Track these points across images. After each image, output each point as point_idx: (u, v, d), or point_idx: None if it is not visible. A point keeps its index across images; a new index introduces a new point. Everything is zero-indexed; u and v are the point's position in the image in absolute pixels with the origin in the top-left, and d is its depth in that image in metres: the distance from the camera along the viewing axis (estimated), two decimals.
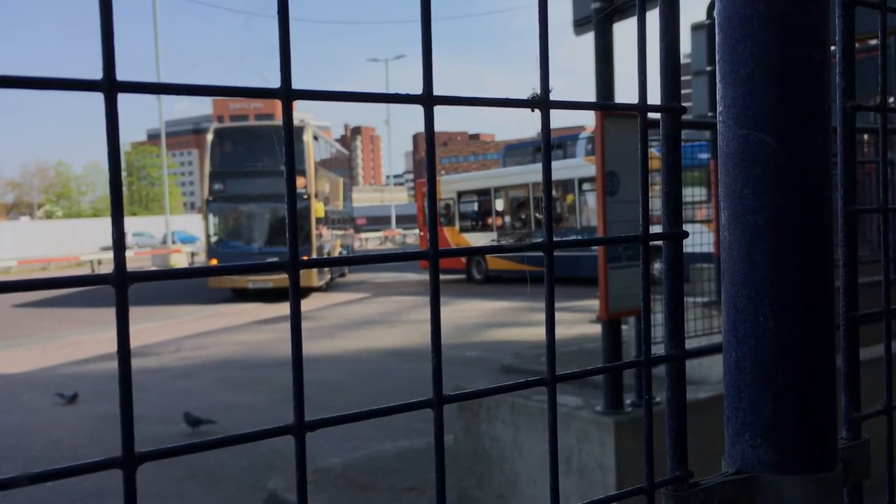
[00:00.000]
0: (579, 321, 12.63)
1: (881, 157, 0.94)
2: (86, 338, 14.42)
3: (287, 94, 0.52)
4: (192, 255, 36.24)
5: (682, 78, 0.90)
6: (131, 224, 54.10)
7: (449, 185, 22.90)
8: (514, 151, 27.89)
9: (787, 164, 0.74)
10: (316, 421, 0.54)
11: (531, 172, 20.88)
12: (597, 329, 7.99)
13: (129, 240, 45.02)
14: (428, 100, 0.58)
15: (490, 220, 21.90)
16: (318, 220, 20.64)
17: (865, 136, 5.62)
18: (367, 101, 0.56)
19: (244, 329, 15.24)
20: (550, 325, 0.66)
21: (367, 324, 15.16)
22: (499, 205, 21.98)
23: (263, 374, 10.39)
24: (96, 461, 0.47)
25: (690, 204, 6.96)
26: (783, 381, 0.75)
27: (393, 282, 24.60)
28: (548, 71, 0.63)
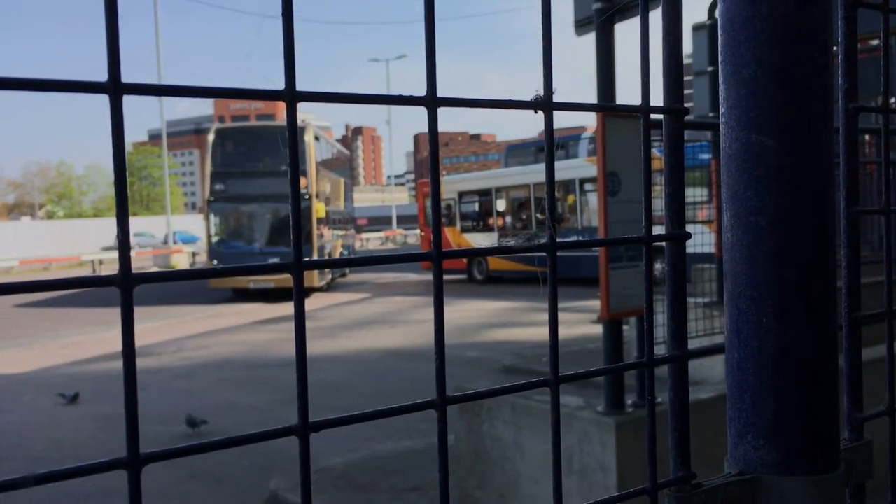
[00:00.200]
0: (580, 321, 12.63)
1: (884, 158, 0.94)
2: (87, 338, 14.42)
3: (292, 95, 0.52)
4: (194, 255, 36.25)
5: (684, 78, 0.90)
6: (132, 224, 53.83)
7: (450, 186, 22.90)
8: (517, 151, 27.92)
9: (789, 165, 0.74)
10: (320, 422, 0.54)
11: (532, 173, 20.88)
12: (598, 329, 7.99)
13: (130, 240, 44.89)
14: (432, 101, 0.58)
15: (491, 221, 21.91)
16: (320, 221, 20.65)
17: (866, 137, 5.61)
18: (372, 102, 0.56)
19: (245, 329, 15.25)
20: (553, 325, 0.66)
21: (368, 324, 15.16)
22: (500, 205, 21.99)
23: (265, 374, 10.39)
24: (102, 462, 0.47)
25: (691, 204, 6.96)
26: (786, 382, 0.75)
27: (394, 282, 24.60)
28: (551, 73, 0.63)
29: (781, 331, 0.75)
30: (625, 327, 4.70)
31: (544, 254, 0.66)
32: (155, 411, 8.03)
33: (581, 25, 4.49)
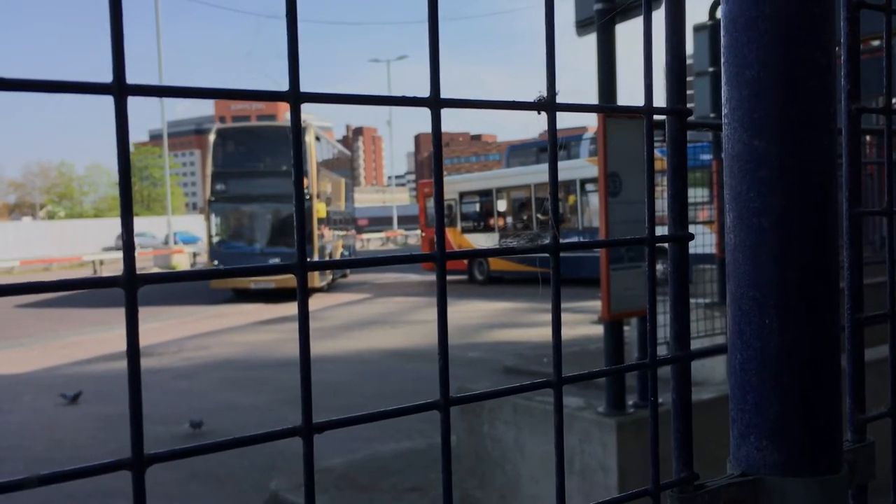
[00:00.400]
0: (581, 322, 12.63)
1: (887, 159, 0.94)
2: (87, 338, 14.43)
3: (295, 97, 0.53)
4: (194, 255, 36.26)
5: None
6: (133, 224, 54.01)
7: (451, 186, 22.90)
8: (518, 152, 27.95)
9: (792, 166, 0.74)
10: (324, 423, 0.54)
11: (532, 173, 20.89)
12: (599, 330, 7.99)
13: None
14: (435, 103, 0.58)
15: (492, 221, 21.91)
16: (320, 221, 20.65)
17: (867, 137, 5.61)
18: (375, 103, 0.57)
19: (246, 329, 15.25)
20: (557, 326, 0.66)
21: (369, 324, 15.17)
22: (501, 205, 22.00)
23: (266, 374, 10.39)
24: (106, 463, 0.47)
25: (693, 205, 6.96)
26: (788, 384, 0.75)
27: (395, 282, 24.60)
28: (554, 74, 0.63)
29: (784, 332, 0.75)
30: (626, 328, 4.70)
31: (547, 254, 0.66)
32: (156, 411, 8.04)
33: (582, 26, 4.49)
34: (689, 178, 0.76)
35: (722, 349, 0.83)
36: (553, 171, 0.65)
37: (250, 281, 19.59)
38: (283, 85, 0.53)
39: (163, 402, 8.56)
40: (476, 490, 4.69)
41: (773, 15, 0.73)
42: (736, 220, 0.77)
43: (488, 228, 21.95)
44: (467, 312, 15.66)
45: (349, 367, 10.59)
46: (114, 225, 53.00)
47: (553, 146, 0.64)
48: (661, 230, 0.74)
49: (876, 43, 5.88)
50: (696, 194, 8.29)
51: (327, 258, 21.34)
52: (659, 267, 0.77)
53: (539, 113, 0.63)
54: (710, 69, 6.68)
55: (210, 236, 20.85)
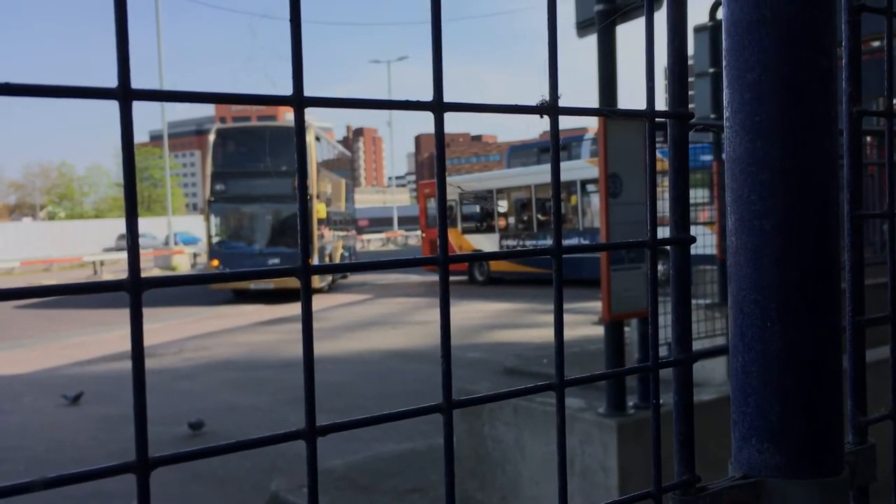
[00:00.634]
0: (581, 323, 12.63)
1: (888, 161, 0.94)
2: (88, 339, 14.43)
3: (299, 101, 0.53)
4: (195, 256, 36.25)
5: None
6: None
7: (451, 187, 22.89)
8: (519, 153, 27.96)
9: (793, 169, 0.75)
10: (328, 426, 0.55)
11: (533, 174, 20.88)
12: (599, 331, 7.98)
13: None
14: (438, 107, 0.58)
15: (493, 222, 21.91)
16: (320, 222, 20.63)
17: (868, 138, 5.61)
18: (379, 107, 0.57)
19: (246, 330, 15.25)
20: (559, 328, 0.67)
21: (369, 325, 15.16)
22: (501, 206, 22.00)
23: (266, 375, 10.39)
24: (111, 466, 0.48)
25: (693, 206, 6.95)
26: (790, 386, 0.76)
27: (396, 283, 24.60)
28: (556, 78, 0.63)
29: (785, 334, 0.75)
30: (626, 329, 4.70)
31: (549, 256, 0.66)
32: (157, 412, 8.03)
33: (583, 27, 4.49)
34: (690, 180, 0.77)
35: (723, 350, 0.84)
36: (555, 173, 0.65)
37: (250, 282, 19.56)
38: (283, 85, 0.54)
39: (164, 403, 8.56)
40: (477, 491, 4.69)
41: (774, 18, 0.74)
42: (737, 223, 0.77)
43: (489, 229, 21.95)
44: (468, 313, 15.66)
45: (350, 367, 10.58)
46: (114, 225, 53.04)
47: (555, 149, 0.64)
48: (661, 231, 0.74)
49: (876, 44, 5.88)
50: (697, 195, 8.29)
51: (327, 259, 21.34)
52: (659, 268, 0.77)
53: (542, 116, 0.63)
54: (711, 70, 6.68)
55: (209, 237, 20.84)
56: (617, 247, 0.79)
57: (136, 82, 0.47)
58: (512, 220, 21.62)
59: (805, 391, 0.76)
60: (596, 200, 18.16)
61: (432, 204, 23.34)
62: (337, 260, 23.49)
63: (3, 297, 0.45)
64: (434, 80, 0.58)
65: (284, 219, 20.06)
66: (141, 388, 0.48)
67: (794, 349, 0.75)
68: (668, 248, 0.75)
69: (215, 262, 20.42)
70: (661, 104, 0.73)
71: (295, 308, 17.26)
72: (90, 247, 45.25)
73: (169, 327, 15.71)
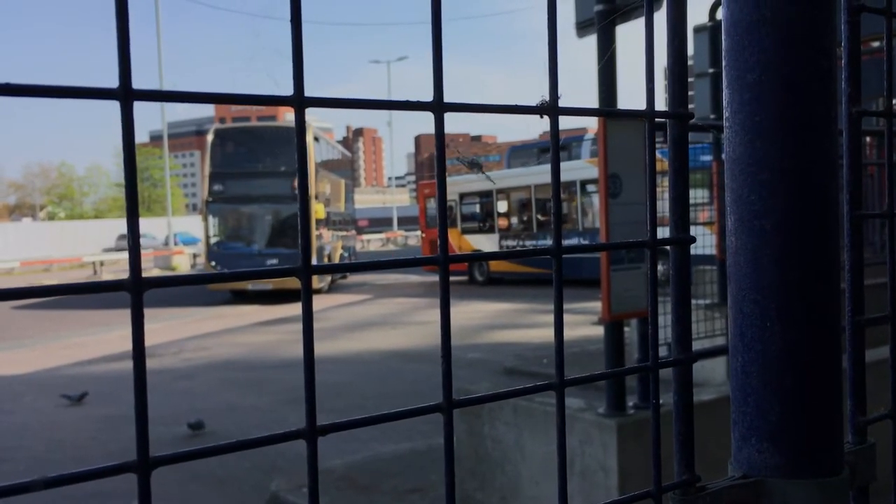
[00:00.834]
0: (581, 323, 12.63)
1: (887, 161, 0.94)
2: (88, 339, 14.42)
3: (300, 101, 0.53)
4: (194, 256, 36.23)
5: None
6: None
7: (451, 187, 22.88)
8: (519, 153, 27.96)
9: (793, 169, 0.75)
10: (328, 425, 0.55)
11: (532, 174, 20.88)
12: (599, 331, 7.98)
13: None
14: (438, 107, 0.58)
15: (493, 222, 21.91)
16: (319, 222, 20.62)
17: (867, 138, 5.61)
18: (379, 108, 0.57)
19: (245, 330, 15.25)
20: (559, 328, 0.67)
21: (369, 325, 15.16)
22: (501, 206, 22.00)
23: (266, 375, 10.39)
24: (112, 465, 0.48)
25: (693, 206, 6.95)
26: (790, 386, 0.76)
27: (395, 283, 24.60)
28: (556, 78, 0.63)
29: (785, 334, 0.75)
30: (626, 329, 4.70)
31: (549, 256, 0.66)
32: (157, 412, 8.02)
33: (582, 27, 4.49)
34: (689, 180, 0.77)
35: (723, 350, 0.84)
36: (555, 173, 0.65)
37: (248, 282, 19.56)
38: (285, 85, 0.54)
39: (164, 403, 8.56)
40: (476, 491, 4.69)
41: (774, 18, 0.74)
42: (737, 223, 0.77)
43: (489, 229, 21.95)
44: (468, 313, 15.66)
45: (350, 367, 10.58)
46: (114, 226, 52.99)
47: (555, 149, 0.64)
48: (661, 231, 0.74)
49: (876, 44, 5.88)
50: (696, 195, 8.29)
51: (326, 260, 21.32)
52: (659, 268, 0.77)
53: (542, 117, 0.63)
54: (711, 70, 6.68)
55: (208, 237, 20.82)
56: (617, 247, 0.79)
57: (136, 82, 0.47)
58: (512, 220, 21.62)
59: (805, 391, 0.76)
60: (596, 200, 18.16)
61: (432, 204, 23.36)
62: (336, 260, 23.48)
63: (3, 297, 0.45)
64: (434, 80, 0.58)
65: (283, 219, 20.04)
66: (142, 387, 0.48)
67: (793, 349, 0.75)
68: (667, 248, 0.75)
69: (213, 264, 20.40)
70: (660, 104, 0.73)
71: (293, 308, 17.25)
72: (90, 247, 45.25)
73: (168, 327, 15.70)
